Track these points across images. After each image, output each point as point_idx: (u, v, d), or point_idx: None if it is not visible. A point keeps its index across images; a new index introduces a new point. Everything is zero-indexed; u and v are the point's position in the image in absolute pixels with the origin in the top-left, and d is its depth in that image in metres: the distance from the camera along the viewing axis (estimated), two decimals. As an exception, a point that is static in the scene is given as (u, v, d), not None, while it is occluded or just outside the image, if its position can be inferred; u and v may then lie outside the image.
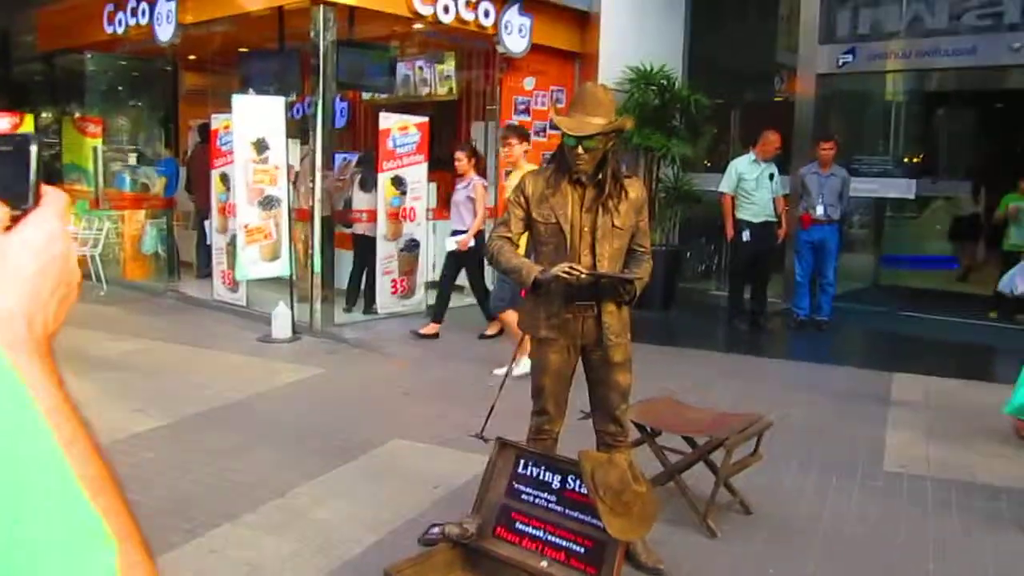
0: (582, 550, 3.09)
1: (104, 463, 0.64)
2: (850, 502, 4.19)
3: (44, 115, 12.83)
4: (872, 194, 9.82)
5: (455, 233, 7.36)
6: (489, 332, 7.62)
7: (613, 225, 3.23)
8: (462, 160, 7.32)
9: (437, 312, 7.58)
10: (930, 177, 10.67)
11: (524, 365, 6.15)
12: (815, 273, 8.35)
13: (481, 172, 7.57)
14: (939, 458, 4.82)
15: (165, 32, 8.95)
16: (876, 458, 4.79)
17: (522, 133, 6.48)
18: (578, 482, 3.14)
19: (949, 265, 11.56)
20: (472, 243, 7.13)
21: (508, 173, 7.18)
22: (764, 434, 4.04)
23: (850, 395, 6.07)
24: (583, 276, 3.11)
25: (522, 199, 3.31)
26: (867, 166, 9.93)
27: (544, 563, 3.12)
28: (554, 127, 3.22)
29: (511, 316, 6.14)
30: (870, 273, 11.19)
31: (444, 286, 7.58)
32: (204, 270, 9.94)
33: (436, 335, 7.50)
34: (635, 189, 3.30)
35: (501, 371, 6.03)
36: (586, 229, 3.22)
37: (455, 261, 7.45)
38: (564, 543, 3.13)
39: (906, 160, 11.01)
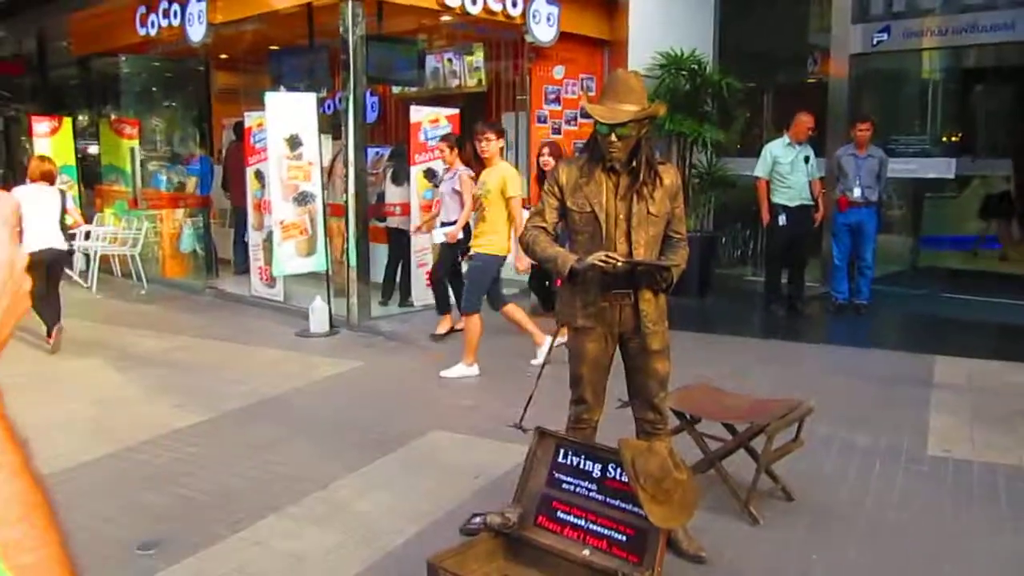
0: (624, 538, 3.08)
1: (32, 484, 0.59)
2: (894, 487, 4.14)
3: (81, 118, 13.06)
4: (910, 174, 9.64)
5: (443, 225, 7.23)
6: (440, 331, 7.33)
7: (648, 212, 3.21)
8: (444, 151, 7.16)
9: (440, 306, 7.40)
10: (969, 156, 10.46)
11: (540, 355, 6.18)
12: (853, 256, 8.23)
13: (466, 162, 7.33)
14: (985, 441, 4.74)
15: (196, 32, 9.04)
16: (920, 442, 4.73)
17: (499, 129, 6.39)
18: (618, 470, 3.13)
19: (990, 245, 11.33)
20: (460, 235, 6.94)
21: (472, 174, 7.04)
22: (805, 420, 4.00)
23: (891, 379, 5.99)
24: (619, 264, 3.10)
25: (556, 188, 3.30)
26: (904, 146, 9.75)
27: (586, 552, 3.12)
28: (586, 115, 3.20)
29: (474, 322, 6.18)
30: (909, 255, 11.01)
31: (438, 278, 7.40)
32: (242, 267, 10.06)
33: (453, 328, 7.27)
34: (669, 175, 3.28)
35: (538, 361, 6.05)
36: (621, 217, 3.20)
37: (449, 252, 7.23)
38: (606, 531, 3.13)
39: (944, 139, 10.80)
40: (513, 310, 6.47)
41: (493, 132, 6.20)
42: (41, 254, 6.60)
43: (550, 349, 4.31)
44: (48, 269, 6.89)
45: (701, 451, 3.94)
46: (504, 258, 6.32)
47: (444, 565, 3.04)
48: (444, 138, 7.33)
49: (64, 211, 7.20)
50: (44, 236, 6.80)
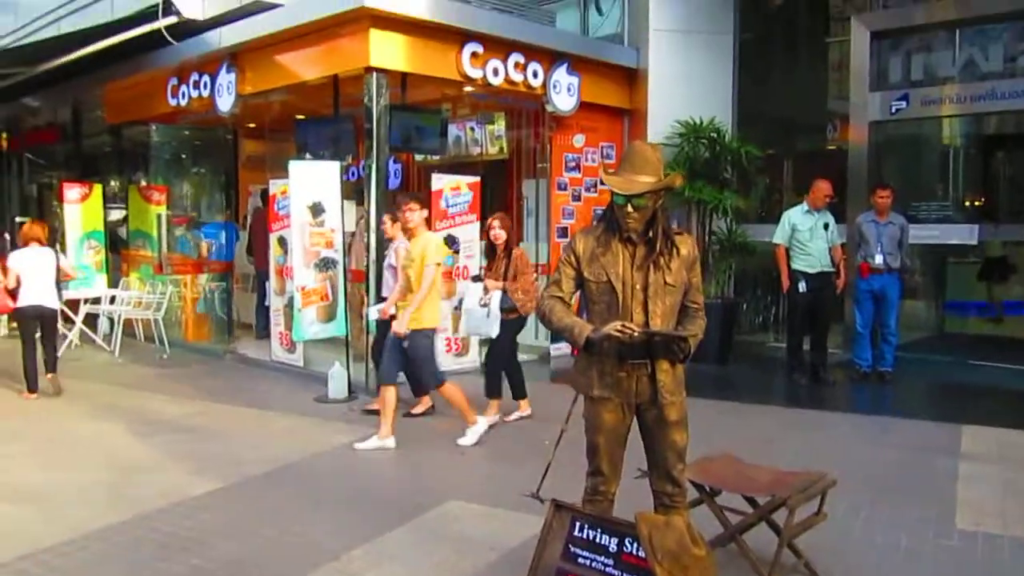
0: (641, 615, 3.01)
1: None
2: (921, 563, 4.02)
3: (112, 183, 13.34)
4: (933, 240, 9.61)
5: (379, 301, 7.20)
6: (416, 411, 7.08)
7: (665, 282, 3.21)
8: (386, 223, 7.10)
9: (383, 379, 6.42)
10: (992, 222, 10.42)
11: (477, 430, 6.14)
12: (876, 323, 8.15)
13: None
14: (1016, 515, 4.61)
15: (225, 103, 9.28)
16: (948, 515, 4.61)
17: (420, 199, 6.32)
18: (635, 545, 3.07)
19: (1017, 311, 11.20)
20: (392, 310, 6.46)
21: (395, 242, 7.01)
22: (828, 492, 3.92)
23: (917, 448, 5.87)
24: (636, 334, 3.09)
25: (573, 258, 3.31)
26: (926, 212, 9.74)
27: (602, 629, 3.05)
28: (604, 184, 3.22)
29: (451, 389, 6.16)
30: (934, 321, 10.90)
31: (379, 353, 6.80)
32: (263, 331, 10.12)
33: (430, 408, 7.07)
34: (686, 245, 3.28)
35: (467, 441, 6.08)
36: (638, 287, 3.20)
37: (385, 328, 6.75)
38: (623, 608, 3.06)
39: (966, 205, 10.79)
40: (452, 389, 6.21)
41: (415, 202, 6.15)
42: (36, 309, 7.77)
43: (565, 424, 4.24)
44: (42, 324, 7.88)
45: (721, 524, 3.85)
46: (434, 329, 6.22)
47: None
48: (387, 210, 7.28)
49: (59, 269, 8.07)
50: (39, 294, 7.80)
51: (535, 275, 6.59)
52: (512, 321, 6.66)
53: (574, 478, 3.63)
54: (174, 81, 10.16)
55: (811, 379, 8.10)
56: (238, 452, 5.91)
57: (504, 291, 6.55)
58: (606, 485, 3.39)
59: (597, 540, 3.22)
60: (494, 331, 6.56)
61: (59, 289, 8.16)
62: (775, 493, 3.73)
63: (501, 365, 6.85)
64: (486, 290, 6.60)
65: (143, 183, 12.12)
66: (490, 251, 6.83)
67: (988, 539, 4.29)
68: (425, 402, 7.10)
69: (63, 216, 11.24)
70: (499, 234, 6.66)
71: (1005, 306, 10.89)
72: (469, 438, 6.14)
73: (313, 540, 4.34)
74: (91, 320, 10.70)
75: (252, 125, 11.72)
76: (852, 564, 4.02)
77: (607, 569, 3.15)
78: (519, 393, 6.92)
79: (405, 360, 6.22)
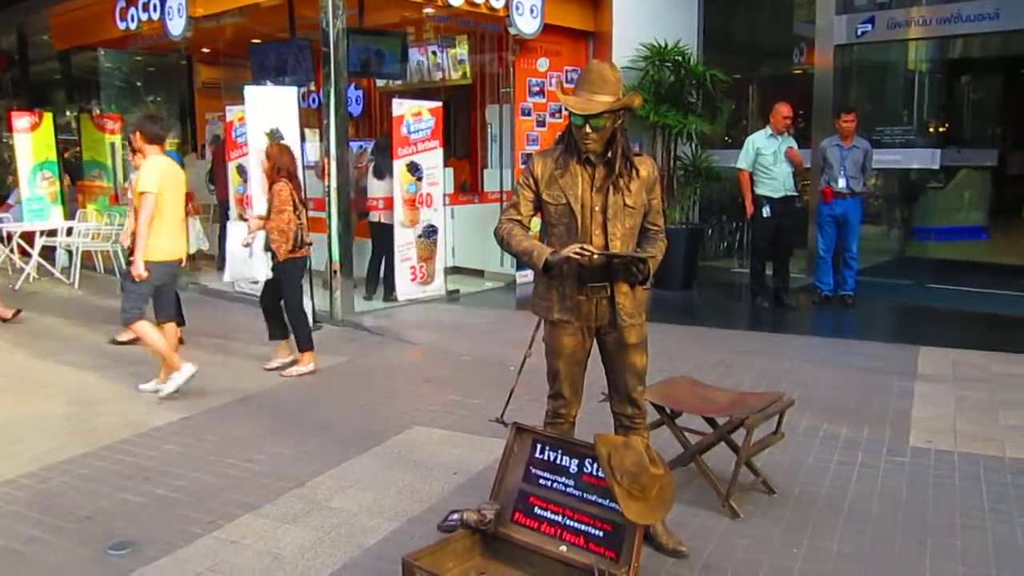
0: (601, 534, 3.05)
1: None
2: (875, 479, 4.12)
3: (67, 113, 12.95)
4: (896, 165, 9.65)
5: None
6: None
7: (624, 204, 3.17)
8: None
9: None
10: (955, 146, 10.47)
11: (175, 381, 5.57)
12: (838, 247, 8.22)
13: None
14: (967, 432, 4.73)
15: (176, 26, 8.95)
16: (902, 433, 4.71)
17: (155, 122, 5.84)
18: (595, 466, 3.10)
19: (977, 236, 11.36)
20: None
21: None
22: (786, 412, 3.98)
23: (876, 370, 5.97)
24: (595, 257, 3.06)
25: (531, 180, 3.25)
26: (890, 137, 9.76)
27: (563, 548, 3.09)
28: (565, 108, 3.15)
29: (145, 329, 5.60)
30: (896, 246, 11.02)
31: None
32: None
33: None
34: (646, 167, 3.24)
35: (166, 391, 5.56)
36: (597, 209, 3.16)
37: None
38: (583, 527, 3.10)
39: (930, 130, 10.82)
40: (144, 327, 5.62)
41: (139, 130, 5.69)
42: None
43: (531, 345, 4.24)
44: None
45: (681, 445, 3.91)
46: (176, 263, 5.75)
47: (420, 563, 3.00)
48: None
49: None
50: None
51: (299, 211, 5.96)
52: (289, 263, 6.02)
53: (539, 402, 3.64)
54: (122, 3, 9.77)
55: (774, 303, 8.18)
56: (200, 383, 5.87)
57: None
58: (567, 408, 3.41)
59: (558, 462, 3.25)
60: (259, 274, 6.08)
61: None
62: (734, 414, 3.78)
63: (294, 310, 6.19)
64: (250, 230, 6.07)
65: (96, 111, 11.75)
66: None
67: (939, 455, 4.41)
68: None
69: (13, 146, 10.90)
70: (263, 163, 6.19)
71: (964, 231, 11.06)
72: (168, 386, 5.58)
73: (277, 468, 4.34)
74: (49, 253, 10.48)
75: (207, 50, 11.36)
76: (808, 481, 4.11)
77: (568, 490, 3.19)
78: (304, 344, 6.23)
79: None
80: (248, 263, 6.10)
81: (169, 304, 5.95)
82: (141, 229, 5.45)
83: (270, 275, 6.11)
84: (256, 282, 6.39)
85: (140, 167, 5.66)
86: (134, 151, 6.07)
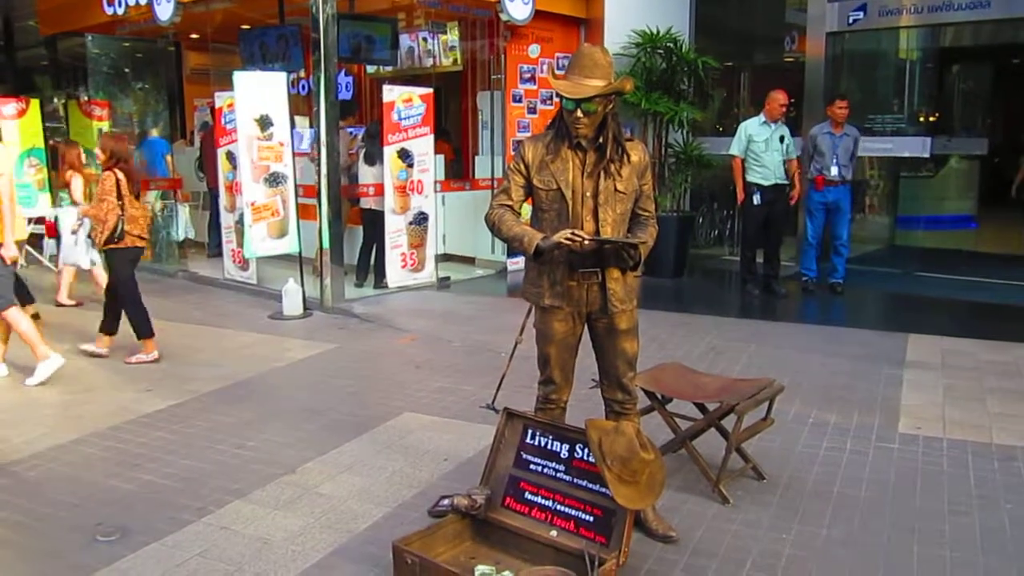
0: (591, 519, 3.06)
1: None
2: (864, 466, 4.14)
3: (56, 99, 12.83)
4: (886, 153, 9.66)
5: None
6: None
7: (616, 189, 3.16)
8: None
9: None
10: (945, 135, 10.49)
11: (45, 369, 5.54)
12: (828, 235, 8.22)
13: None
14: (955, 419, 4.76)
15: (164, 11, 8.88)
16: (891, 420, 4.74)
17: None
18: (586, 451, 3.11)
19: (966, 225, 11.40)
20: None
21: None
22: (776, 399, 3.99)
23: (864, 357, 5.99)
24: (586, 242, 3.05)
25: (522, 166, 3.24)
26: (880, 125, 9.77)
27: (553, 532, 3.10)
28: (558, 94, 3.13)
29: (16, 316, 5.57)
30: (886, 234, 11.05)
31: None
32: (215, 249, 9.93)
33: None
34: (637, 152, 3.23)
35: (34, 380, 5.50)
36: (588, 194, 3.15)
37: None
38: (573, 512, 3.11)
39: (920, 118, 10.83)
40: (14, 314, 5.60)
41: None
42: None
43: (521, 331, 4.24)
44: None
45: (672, 431, 3.92)
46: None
47: (410, 548, 3.00)
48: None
49: None
50: None
51: (124, 201, 5.85)
52: (114, 253, 5.99)
53: (529, 388, 3.64)
54: (109, -12, 9.70)
55: (764, 291, 8.19)
56: (192, 370, 5.85)
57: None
58: (557, 393, 3.41)
59: (548, 447, 3.25)
60: (83, 261, 6.13)
61: None
62: (724, 400, 3.79)
63: (125, 301, 6.13)
64: (77, 216, 6.03)
65: (84, 98, 11.65)
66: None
67: (927, 442, 4.43)
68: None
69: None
70: (98, 153, 6.07)
71: (954, 220, 11.09)
72: (36, 375, 5.56)
73: (267, 454, 4.33)
74: (37, 241, 10.39)
75: (195, 36, 11.27)
76: (797, 467, 4.12)
77: (558, 475, 3.19)
78: (144, 333, 6.13)
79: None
80: (75, 250, 6.26)
81: (20, 285, 5.96)
82: (7, 210, 5.42)
83: (96, 262, 6.13)
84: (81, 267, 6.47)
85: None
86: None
